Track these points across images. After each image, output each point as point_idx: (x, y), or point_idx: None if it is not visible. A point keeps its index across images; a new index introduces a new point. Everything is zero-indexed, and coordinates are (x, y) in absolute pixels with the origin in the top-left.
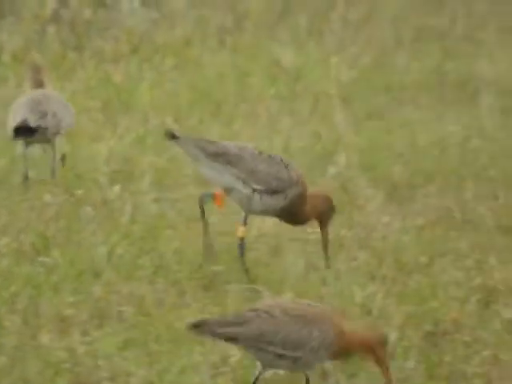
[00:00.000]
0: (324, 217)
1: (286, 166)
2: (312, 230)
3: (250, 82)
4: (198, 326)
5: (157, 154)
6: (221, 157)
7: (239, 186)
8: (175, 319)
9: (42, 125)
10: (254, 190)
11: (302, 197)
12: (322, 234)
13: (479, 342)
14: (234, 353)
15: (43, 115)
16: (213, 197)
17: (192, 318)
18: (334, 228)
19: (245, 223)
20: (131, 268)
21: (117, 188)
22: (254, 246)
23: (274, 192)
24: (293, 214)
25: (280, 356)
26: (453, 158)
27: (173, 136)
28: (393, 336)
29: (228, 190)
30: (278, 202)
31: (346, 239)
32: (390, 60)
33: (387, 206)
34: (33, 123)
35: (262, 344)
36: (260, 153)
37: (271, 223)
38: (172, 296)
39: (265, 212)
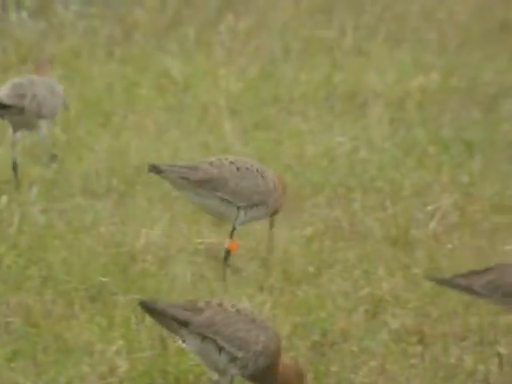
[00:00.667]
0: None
1: (262, 176)
2: (201, 240)
3: (139, 93)
4: (149, 304)
5: (45, 164)
6: (205, 183)
7: (224, 207)
8: (63, 330)
9: (18, 104)
10: (239, 208)
11: (280, 199)
12: None
13: (366, 352)
14: (122, 364)
15: (21, 96)
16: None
17: (80, 329)
18: (222, 239)
19: (231, 237)
20: (19, 279)
21: (4, 199)
22: (141, 256)
23: (256, 205)
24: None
25: (221, 349)
26: (341, 168)
27: (157, 170)
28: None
29: (214, 212)
30: (261, 212)
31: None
32: (278, 71)
33: (275, 217)
34: (6, 100)
35: (210, 333)
36: (238, 168)
37: (160, 233)
38: (60, 307)
39: (250, 221)
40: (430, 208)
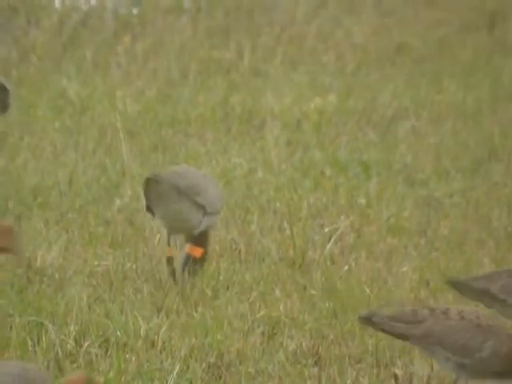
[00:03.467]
0: None
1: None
2: (97, 262)
3: (35, 114)
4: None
5: None
6: (191, 189)
7: (194, 213)
8: None
9: None
10: (204, 214)
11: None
12: None
13: (263, 374)
14: None
15: None
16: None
17: None
18: (119, 260)
19: (169, 244)
20: None
21: None
22: (37, 278)
23: (216, 213)
24: None
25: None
26: (238, 190)
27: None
28: (177, 368)
29: (183, 221)
30: (215, 221)
31: (131, 271)
32: (175, 93)
33: (173, 239)
34: None
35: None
36: (204, 174)
37: (56, 255)
38: None
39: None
40: (326, 230)
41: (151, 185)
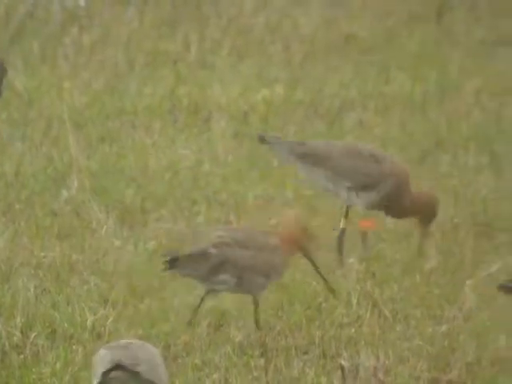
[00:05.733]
0: (425, 216)
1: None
2: (44, 253)
3: None
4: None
5: None
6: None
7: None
8: None
9: None
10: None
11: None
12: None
13: (210, 365)
14: None
15: None
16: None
17: None
18: (65, 252)
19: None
20: None
21: None
22: None
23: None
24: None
25: None
26: (185, 182)
27: (263, 140)
28: None
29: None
30: (371, 197)
31: (77, 263)
32: (122, 84)
33: (119, 230)
34: None
35: None
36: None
37: (2, 247)
38: None
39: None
40: (273, 221)
41: None
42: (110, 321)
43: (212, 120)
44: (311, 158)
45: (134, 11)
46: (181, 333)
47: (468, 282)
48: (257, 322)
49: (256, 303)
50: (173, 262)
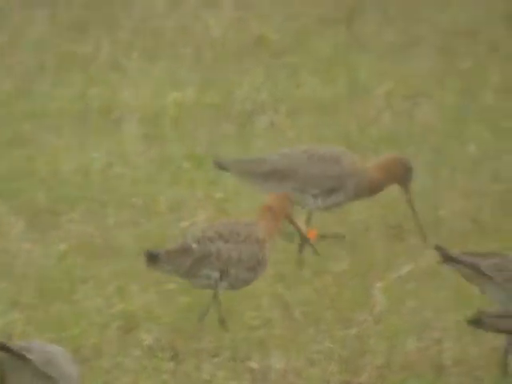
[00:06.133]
0: (398, 178)
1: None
2: None
3: None
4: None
5: None
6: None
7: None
8: None
9: None
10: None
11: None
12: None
13: (119, 368)
14: None
15: None
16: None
17: None
18: None
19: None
20: None
21: None
22: None
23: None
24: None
25: None
26: (95, 184)
27: (220, 166)
28: None
29: None
30: (339, 198)
31: None
32: (33, 87)
33: (29, 233)
34: None
35: None
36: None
37: None
38: None
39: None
40: (183, 224)
41: None
42: (19, 324)
43: (123, 122)
44: (276, 175)
45: (44, 13)
46: (91, 336)
47: (378, 285)
48: (221, 320)
49: (216, 298)
50: (153, 259)
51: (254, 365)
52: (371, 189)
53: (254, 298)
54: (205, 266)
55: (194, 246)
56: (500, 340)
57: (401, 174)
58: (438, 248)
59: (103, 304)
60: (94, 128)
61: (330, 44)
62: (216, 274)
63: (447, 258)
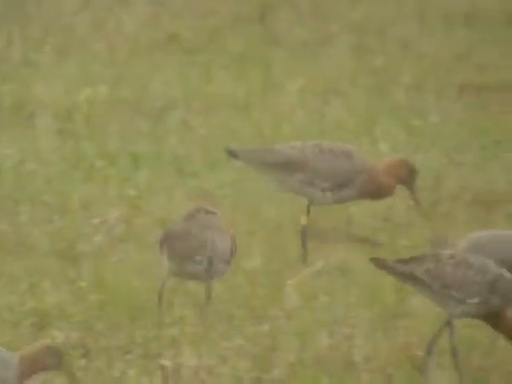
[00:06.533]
0: (404, 181)
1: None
2: None
3: None
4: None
5: None
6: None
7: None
8: None
9: None
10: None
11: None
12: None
13: None
14: None
15: None
16: None
17: None
18: None
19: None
20: None
21: None
22: None
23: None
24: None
25: None
26: (8, 181)
27: (231, 154)
28: None
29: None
30: (348, 194)
31: None
32: None
33: None
34: None
35: None
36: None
37: None
38: None
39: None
40: (96, 221)
41: None
42: None
43: (35, 119)
44: (287, 166)
45: None
46: (3, 333)
47: (290, 282)
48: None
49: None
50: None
51: (165, 362)
52: (380, 192)
53: (167, 295)
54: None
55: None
56: (412, 337)
57: (406, 175)
58: (374, 260)
59: (16, 301)
60: (6, 125)
61: (242, 41)
62: (205, 262)
63: (382, 267)
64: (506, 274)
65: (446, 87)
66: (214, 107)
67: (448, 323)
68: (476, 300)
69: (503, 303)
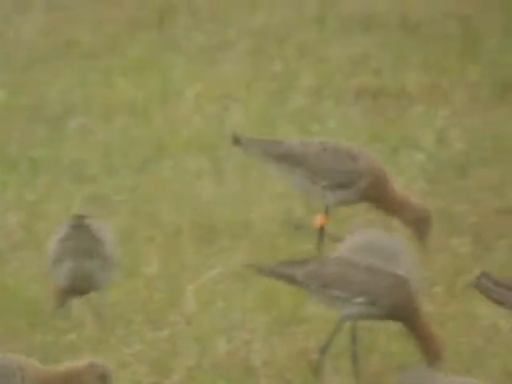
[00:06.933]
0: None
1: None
2: None
3: None
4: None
5: None
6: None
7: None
8: None
9: None
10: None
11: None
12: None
13: None
14: None
15: None
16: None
17: None
18: None
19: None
20: None
21: None
22: None
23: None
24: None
25: None
26: None
27: (236, 141)
28: None
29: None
30: (350, 196)
31: None
32: None
33: None
34: None
35: None
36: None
37: None
38: None
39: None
40: None
41: None
42: None
43: None
44: (288, 159)
45: None
46: None
47: (189, 287)
48: None
49: None
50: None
51: None
52: (386, 202)
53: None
54: None
55: None
56: (310, 342)
57: (422, 226)
58: (250, 266)
59: None
60: None
61: (141, 47)
62: None
63: (260, 272)
64: (400, 273)
65: (344, 92)
66: (113, 113)
67: (340, 326)
68: (361, 299)
69: (396, 304)
